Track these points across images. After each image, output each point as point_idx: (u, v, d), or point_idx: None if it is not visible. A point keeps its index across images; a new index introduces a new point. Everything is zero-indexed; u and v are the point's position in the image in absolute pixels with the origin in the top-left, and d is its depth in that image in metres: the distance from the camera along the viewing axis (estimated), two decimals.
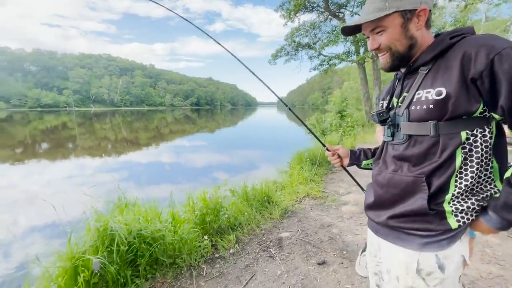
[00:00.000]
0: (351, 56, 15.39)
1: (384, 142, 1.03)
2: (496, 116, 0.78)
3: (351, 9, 14.86)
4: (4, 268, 2.63)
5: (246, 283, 2.11)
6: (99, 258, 1.81)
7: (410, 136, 0.89)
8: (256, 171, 4.18)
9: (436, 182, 0.83)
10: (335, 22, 15.25)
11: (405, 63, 0.92)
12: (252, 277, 2.19)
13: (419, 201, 0.84)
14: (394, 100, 0.98)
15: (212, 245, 2.60)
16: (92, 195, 2.36)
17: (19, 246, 2.17)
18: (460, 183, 0.82)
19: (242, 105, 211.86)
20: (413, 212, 0.85)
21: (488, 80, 0.72)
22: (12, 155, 12.44)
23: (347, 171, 1.38)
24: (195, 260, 2.35)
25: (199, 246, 2.47)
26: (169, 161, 10.26)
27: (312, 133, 1.59)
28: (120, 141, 18.19)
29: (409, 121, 0.88)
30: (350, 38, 14.18)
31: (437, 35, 0.89)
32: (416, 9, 0.83)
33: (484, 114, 0.78)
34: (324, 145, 1.37)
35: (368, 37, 0.94)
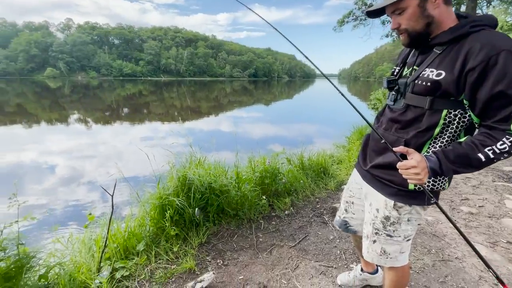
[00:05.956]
0: None
1: (386, 104, 1.19)
2: (465, 101, 0.90)
3: None
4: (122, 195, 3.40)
5: (300, 241, 2.30)
6: (180, 200, 2.22)
7: (408, 105, 1.03)
8: (312, 145, 4.19)
9: (413, 144, 1.01)
10: None
11: (423, 40, 0.98)
12: (305, 236, 2.37)
13: (394, 156, 1.00)
14: (406, 70, 1.08)
15: (269, 205, 2.85)
16: (168, 153, 2.79)
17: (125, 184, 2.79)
18: (430, 148, 1.01)
19: (300, 76, 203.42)
20: (389, 165, 1.07)
21: (477, 74, 0.83)
22: (103, 116, 15.12)
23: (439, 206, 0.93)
24: (254, 215, 2.64)
25: (258, 204, 2.74)
26: (228, 130, 10.93)
27: (361, 114, 1.13)
28: (185, 109, 20.04)
29: (412, 93, 1.00)
30: None
31: (458, 15, 0.95)
32: None
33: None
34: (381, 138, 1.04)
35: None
